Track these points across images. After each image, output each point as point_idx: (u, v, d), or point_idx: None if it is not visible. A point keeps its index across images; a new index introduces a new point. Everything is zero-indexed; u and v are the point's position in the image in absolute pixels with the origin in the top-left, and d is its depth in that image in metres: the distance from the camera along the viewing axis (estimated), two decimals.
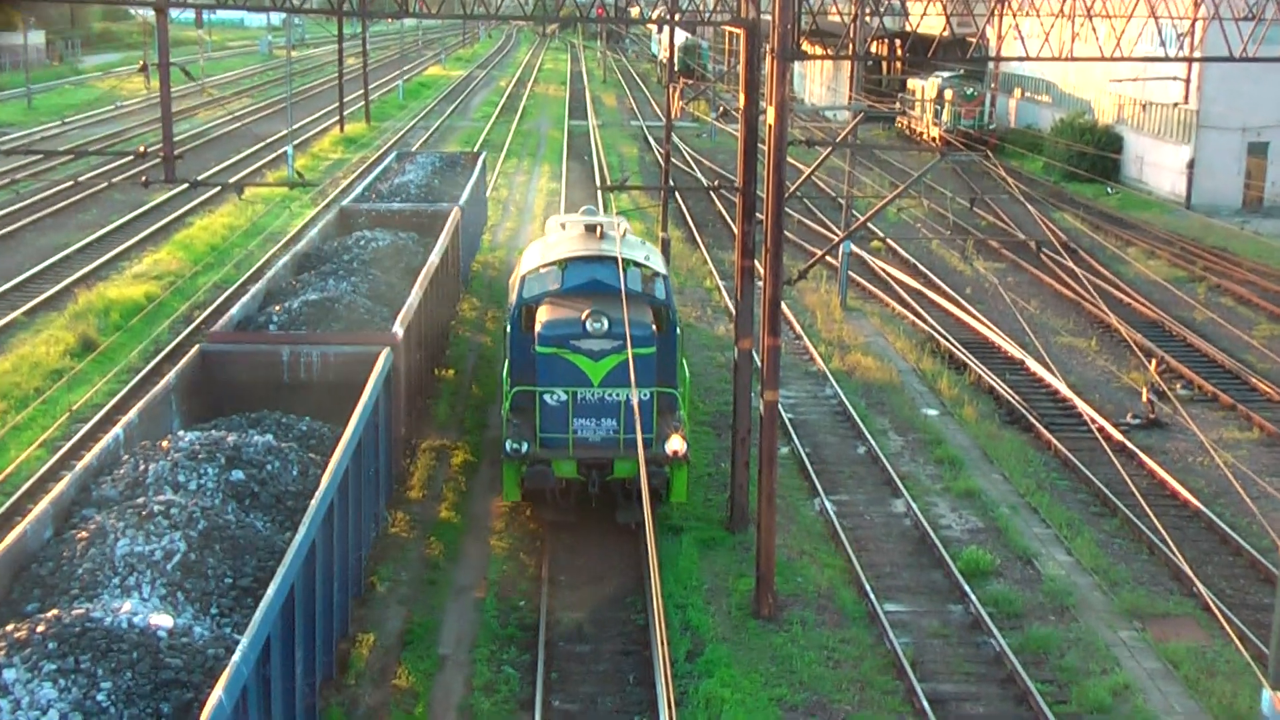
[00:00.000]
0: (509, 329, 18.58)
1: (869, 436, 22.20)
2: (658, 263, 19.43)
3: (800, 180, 19.16)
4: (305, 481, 13.57)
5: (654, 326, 17.65)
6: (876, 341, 28.64)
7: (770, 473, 15.54)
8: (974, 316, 30.43)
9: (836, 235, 37.05)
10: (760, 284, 20.41)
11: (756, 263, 18.33)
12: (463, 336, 27.53)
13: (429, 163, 33.56)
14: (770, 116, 14.60)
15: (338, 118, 61.44)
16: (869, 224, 35.26)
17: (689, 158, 55.55)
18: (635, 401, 16.30)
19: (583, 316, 17.51)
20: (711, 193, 45.09)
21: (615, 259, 18.54)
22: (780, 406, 23.17)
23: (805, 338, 28.22)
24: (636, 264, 18.97)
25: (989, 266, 36.31)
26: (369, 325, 18.67)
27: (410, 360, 18.89)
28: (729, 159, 55.66)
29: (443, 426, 22.10)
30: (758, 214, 17.14)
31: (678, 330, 18.79)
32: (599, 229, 19.93)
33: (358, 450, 14.08)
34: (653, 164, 54.85)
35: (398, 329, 17.72)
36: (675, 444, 17.37)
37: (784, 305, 29.15)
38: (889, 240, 37.84)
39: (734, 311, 18.57)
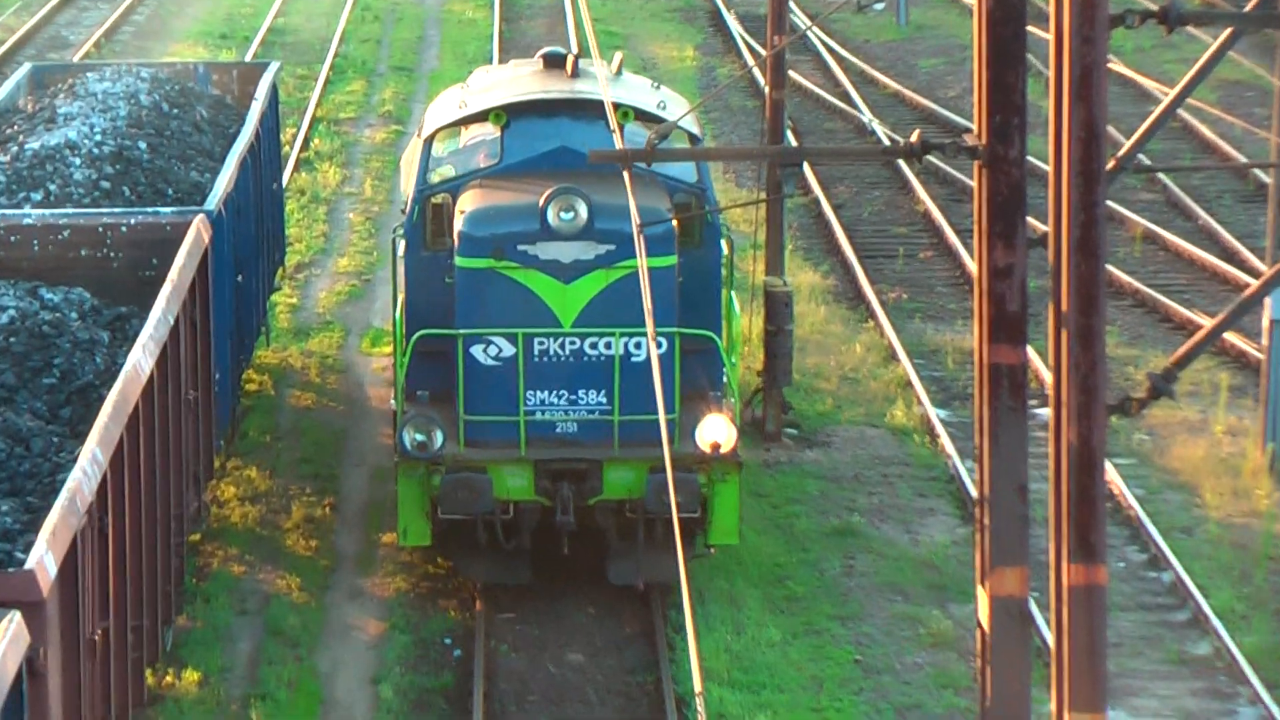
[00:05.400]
0: (402, 244, 25.89)
1: None
2: (685, 119, 24.37)
3: (1149, 121, 18.43)
4: None
5: (674, 223, 23.62)
6: None
7: None
8: None
9: (1250, 272, 37.49)
10: (1046, 414, 20.03)
11: (1031, 353, 17.62)
12: (226, 573, 28.70)
13: (124, 93, 33.61)
14: None
15: None
16: None
17: (838, 69, 56.92)
18: (653, 353, 19.01)
19: (540, 202, 23.86)
20: (903, 163, 45.87)
21: (599, 104, 23.71)
22: None
23: (1172, 559, 29.14)
24: (641, 113, 24.99)
25: None
26: None
27: (74, 656, 19.62)
28: (949, 72, 57.25)
29: None
30: (1031, 221, 16.48)
31: (722, 237, 25.79)
32: (569, 61, 27.16)
33: None
34: (735, 86, 55.95)
35: (43, 564, 18.42)
36: (716, 430, 23.56)
37: (1111, 466, 30.05)
38: None
39: (975, 491, 18.07)
